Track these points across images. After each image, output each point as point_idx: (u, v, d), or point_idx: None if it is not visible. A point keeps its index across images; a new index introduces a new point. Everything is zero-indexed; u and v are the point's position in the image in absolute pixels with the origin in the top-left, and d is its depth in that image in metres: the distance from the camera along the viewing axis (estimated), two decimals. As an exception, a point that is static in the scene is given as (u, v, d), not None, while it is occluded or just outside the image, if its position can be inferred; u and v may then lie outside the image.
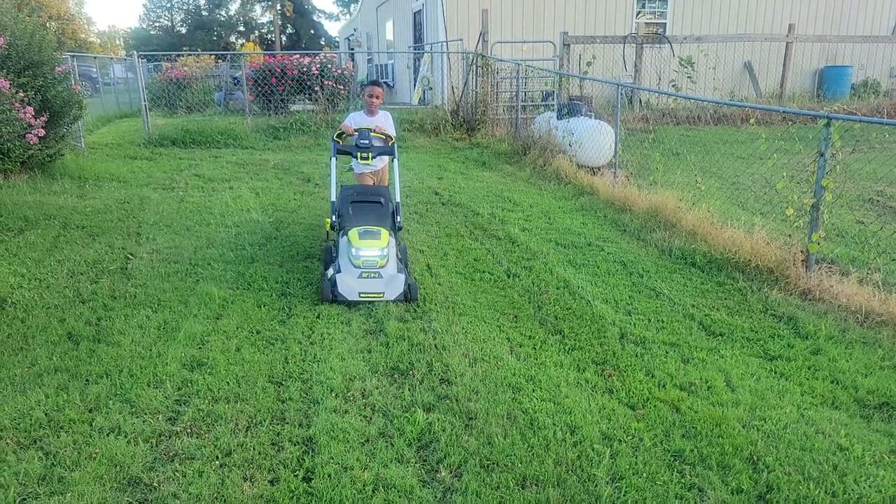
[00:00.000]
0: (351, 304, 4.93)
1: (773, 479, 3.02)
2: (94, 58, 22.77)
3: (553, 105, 14.18)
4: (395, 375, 3.98)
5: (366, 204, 5.39)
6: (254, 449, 3.14)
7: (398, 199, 5.63)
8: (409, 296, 5.00)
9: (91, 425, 3.29)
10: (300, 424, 3.38)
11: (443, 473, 3.02)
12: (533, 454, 3.16)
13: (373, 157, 5.71)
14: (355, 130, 5.75)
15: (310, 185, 9.32)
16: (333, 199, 5.63)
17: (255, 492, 2.83)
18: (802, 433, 3.43)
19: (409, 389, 3.79)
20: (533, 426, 3.42)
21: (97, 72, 21.68)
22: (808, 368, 4.25)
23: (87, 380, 3.75)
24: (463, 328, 4.68)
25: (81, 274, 5.49)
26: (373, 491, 2.87)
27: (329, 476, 2.94)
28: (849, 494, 2.92)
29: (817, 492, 2.92)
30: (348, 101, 14.89)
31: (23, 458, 3.00)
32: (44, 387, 3.64)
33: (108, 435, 3.21)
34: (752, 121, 8.32)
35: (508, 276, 5.84)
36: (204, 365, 3.99)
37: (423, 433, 3.37)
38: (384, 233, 5.07)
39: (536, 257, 6.34)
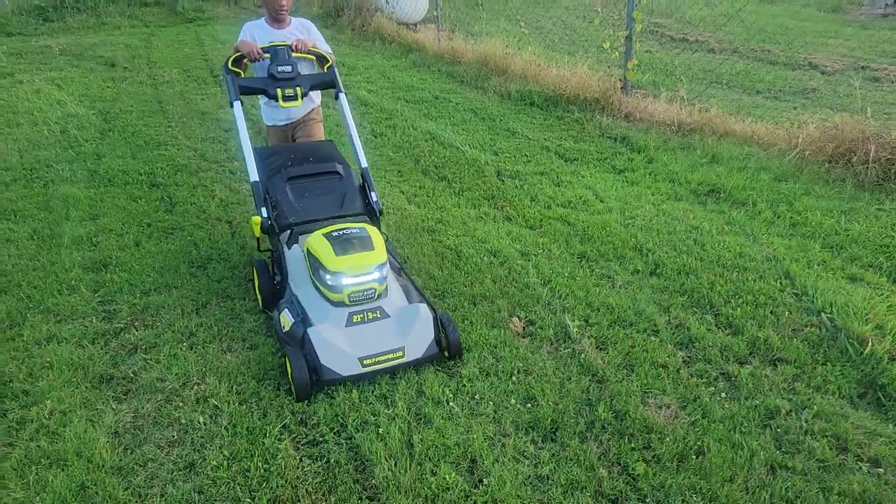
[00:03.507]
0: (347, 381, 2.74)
1: (657, 258, 3.77)
2: None
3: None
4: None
5: (313, 179, 3.26)
6: (215, 326, 3.19)
7: (365, 163, 3.38)
8: (448, 344, 2.85)
9: (23, 339, 3.08)
10: (250, 297, 3.45)
11: (402, 308, 3.34)
12: (472, 278, 3.59)
13: (303, 94, 3.39)
14: (264, 50, 3.38)
15: (117, 70, 8.31)
16: (256, 177, 3.15)
17: (240, 359, 2.94)
18: (664, 222, 4.24)
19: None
20: (461, 258, 3.83)
21: None
22: (650, 174, 5.10)
23: (-18, 301, 3.41)
24: (355, 189, 4.84)
25: None
26: (350, 334, 3.12)
27: (303, 331, 3.13)
28: (711, 257, 3.76)
29: (689, 260, 3.73)
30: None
31: (-34, 385, 2.78)
32: (-65, 317, 3.26)
33: (47, 344, 3.05)
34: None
35: (376, 136, 5.98)
36: (109, 264, 3.78)
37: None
38: (373, 233, 2.94)
39: (394, 116, 6.50)
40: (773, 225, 4.17)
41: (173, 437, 2.51)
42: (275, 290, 3.19)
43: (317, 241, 2.86)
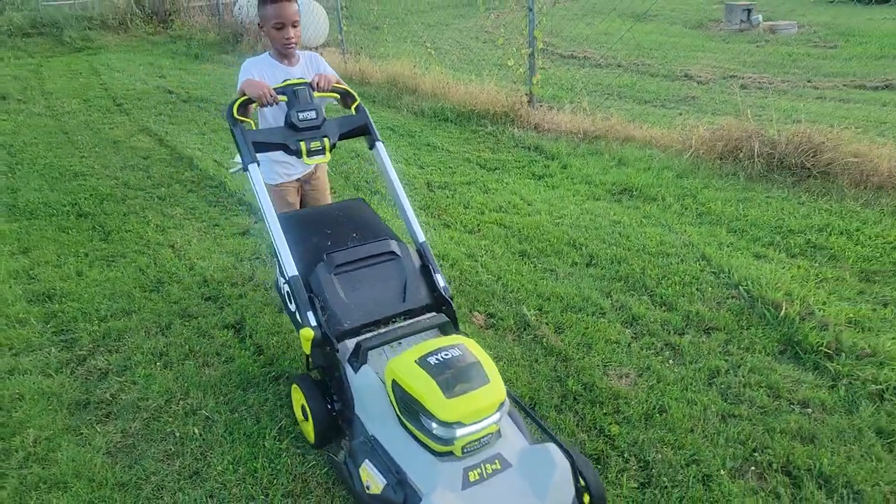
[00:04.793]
0: None
1: (590, 251, 4.14)
2: None
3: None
4: (265, 256, 4.17)
5: (365, 265, 2.53)
6: (185, 344, 3.21)
7: (422, 236, 2.68)
8: (591, 499, 2.09)
9: (-20, 377, 2.96)
10: (212, 314, 3.48)
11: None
12: (428, 280, 3.80)
13: (332, 146, 2.65)
14: (278, 91, 2.65)
15: (10, 103, 7.91)
16: (294, 270, 2.38)
17: (220, 372, 2.99)
18: (589, 219, 4.64)
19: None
20: (413, 262, 4.02)
21: None
22: (567, 178, 5.53)
23: (-79, 343, 3.23)
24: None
25: None
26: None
27: (279, 345, 3.21)
28: (637, 247, 4.18)
29: (619, 250, 4.13)
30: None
31: (-72, 426, 2.65)
32: None
33: (10, 377, 2.95)
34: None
35: (302, 156, 6.07)
36: (54, 295, 3.67)
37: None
38: (479, 353, 2.12)
39: (315, 135, 6.60)
40: (682, 216, 4.68)
41: (170, 449, 2.54)
42: (333, 422, 2.44)
43: (410, 373, 2.03)
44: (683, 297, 3.57)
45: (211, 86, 8.73)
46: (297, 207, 3.29)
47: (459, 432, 1.95)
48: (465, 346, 2.12)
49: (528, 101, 7.27)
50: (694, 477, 2.36)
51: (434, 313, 2.50)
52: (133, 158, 6.04)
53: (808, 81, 8.97)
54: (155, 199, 5.12)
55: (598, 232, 4.42)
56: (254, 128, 2.66)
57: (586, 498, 2.07)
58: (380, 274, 2.53)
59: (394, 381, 2.07)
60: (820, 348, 3.05)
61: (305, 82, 2.69)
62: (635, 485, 2.34)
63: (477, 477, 1.98)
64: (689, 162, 5.61)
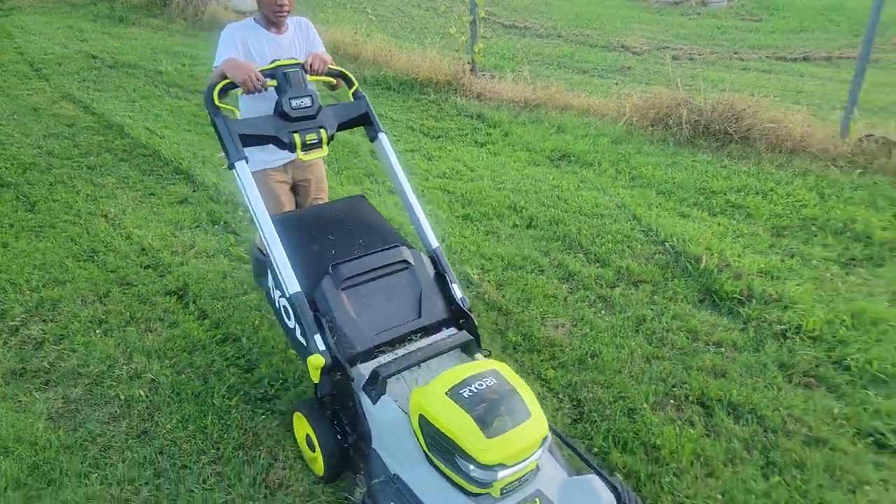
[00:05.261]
0: None
1: (530, 214, 4.28)
2: None
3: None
4: (207, 224, 4.12)
5: (375, 276, 2.26)
6: (125, 311, 3.18)
7: (435, 242, 2.42)
8: None
9: None
10: (153, 282, 3.45)
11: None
12: (371, 243, 3.86)
13: (329, 139, 2.35)
14: (266, 74, 2.29)
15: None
16: (297, 287, 2.09)
17: (164, 337, 2.99)
18: (529, 184, 4.78)
19: (225, 231, 4.04)
20: (355, 227, 4.07)
21: None
22: (508, 145, 5.65)
23: None
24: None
25: None
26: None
27: (225, 309, 3.22)
28: (573, 209, 4.34)
29: (557, 212, 4.28)
30: None
31: None
32: None
33: (-62, 351, 2.88)
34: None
35: (240, 124, 5.98)
36: (-21, 267, 3.56)
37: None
38: (517, 382, 1.91)
39: (253, 103, 6.50)
40: (616, 179, 4.87)
41: (116, 412, 2.55)
42: (345, 455, 2.16)
43: (441, 408, 1.80)
44: (615, 254, 3.76)
45: (138, 51, 8.42)
46: (289, 200, 2.88)
47: (501, 474, 1.73)
48: (500, 372, 1.91)
49: (471, 70, 7.32)
50: (620, 411, 2.55)
51: (453, 329, 2.27)
52: (56, 126, 5.81)
53: (735, 53, 9.34)
54: (83, 169, 4.96)
55: (537, 196, 4.56)
56: (237, 115, 2.33)
57: None
58: (392, 286, 2.26)
59: (421, 417, 1.85)
60: (734, 296, 3.30)
61: (298, 63, 2.36)
62: (569, 421, 2.51)
63: None
64: (623, 129, 5.81)
